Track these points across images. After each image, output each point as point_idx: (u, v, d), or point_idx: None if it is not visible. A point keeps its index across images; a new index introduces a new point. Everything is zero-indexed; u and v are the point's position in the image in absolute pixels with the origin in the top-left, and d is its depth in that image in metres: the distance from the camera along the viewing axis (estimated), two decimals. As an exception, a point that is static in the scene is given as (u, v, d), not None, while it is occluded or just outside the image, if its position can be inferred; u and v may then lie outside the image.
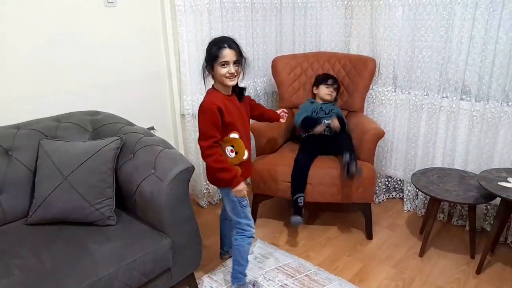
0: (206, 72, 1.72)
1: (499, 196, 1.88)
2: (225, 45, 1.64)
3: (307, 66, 2.85)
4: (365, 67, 2.66)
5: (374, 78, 2.71)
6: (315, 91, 2.69)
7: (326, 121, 2.50)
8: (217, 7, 2.57)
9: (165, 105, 2.62)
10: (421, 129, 2.61)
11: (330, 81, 2.64)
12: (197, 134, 1.73)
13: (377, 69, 2.69)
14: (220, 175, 1.70)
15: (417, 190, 2.66)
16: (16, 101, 1.92)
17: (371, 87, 2.73)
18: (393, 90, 2.69)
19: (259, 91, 3.04)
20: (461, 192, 2.10)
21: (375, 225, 2.49)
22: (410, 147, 2.68)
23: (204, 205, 2.80)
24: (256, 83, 3.01)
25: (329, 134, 2.48)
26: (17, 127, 1.81)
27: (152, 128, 2.49)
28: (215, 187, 2.72)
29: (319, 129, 2.47)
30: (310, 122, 2.52)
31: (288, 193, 2.30)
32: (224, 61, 1.64)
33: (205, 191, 2.80)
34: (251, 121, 2.37)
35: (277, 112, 2.20)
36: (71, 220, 1.66)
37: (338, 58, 2.81)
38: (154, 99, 2.53)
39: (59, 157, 1.70)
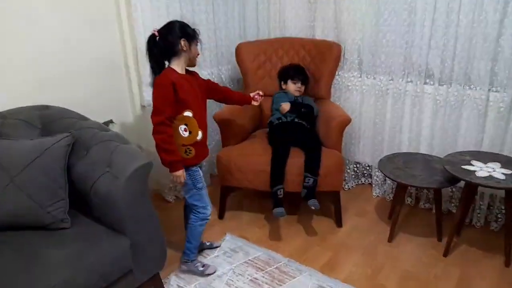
0: (177, 48, 1.72)
1: (463, 180, 1.90)
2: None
3: (271, 52, 2.77)
4: (330, 52, 2.62)
5: (339, 64, 2.67)
6: (283, 86, 2.61)
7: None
8: (175, -10, 2.44)
9: (124, 97, 2.48)
10: (387, 114, 2.61)
11: (296, 79, 2.56)
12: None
13: (342, 54, 2.65)
14: (162, 154, 1.72)
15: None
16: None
17: (337, 73, 2.70)
18: (359, 76, 2.67)
19: (224, 79, 2.94)
20: (427, 176, 2.11)
21: (344, 212, 2.48)
22: (377, 133, 2.67)
23: (171, 200, 2.71)
24: (220, 70, 2.90)
25: (301, 122, 2.42)
26: (-45, 126, 1.65)
27: (111, 121, 2.36)
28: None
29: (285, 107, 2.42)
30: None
31: (257, 184, 2.24)
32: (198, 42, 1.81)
33: (171, 185, 2.69)
34: (217, 109, 2.29)
35: (248, 95, 2.13)
36: (20, 225, 1.53)
37: (303, 43, 2.75)
38: (111, 91, 2.37)
39: (4, 157, 1.56)
